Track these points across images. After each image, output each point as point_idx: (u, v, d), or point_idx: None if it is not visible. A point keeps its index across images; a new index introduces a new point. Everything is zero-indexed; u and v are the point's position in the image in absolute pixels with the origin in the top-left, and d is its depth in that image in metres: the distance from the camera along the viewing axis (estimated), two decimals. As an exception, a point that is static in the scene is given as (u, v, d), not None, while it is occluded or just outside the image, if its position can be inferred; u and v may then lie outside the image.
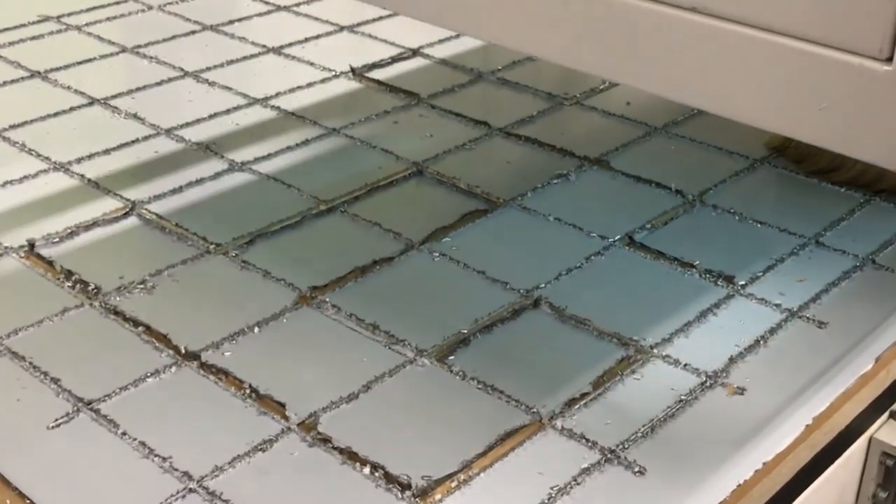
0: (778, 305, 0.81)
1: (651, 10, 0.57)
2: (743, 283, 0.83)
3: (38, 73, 1.13)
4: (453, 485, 0.64)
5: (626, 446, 0.67)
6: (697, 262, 0.85)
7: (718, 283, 0.83)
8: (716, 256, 0.86)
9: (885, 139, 0.52)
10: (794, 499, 0.72)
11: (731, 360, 0.75)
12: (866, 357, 0.76)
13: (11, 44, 1.19)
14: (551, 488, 0.64)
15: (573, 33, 0.61)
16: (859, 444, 0.78)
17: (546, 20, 0.61)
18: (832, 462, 0.75)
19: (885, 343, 0.78)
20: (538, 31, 0.62)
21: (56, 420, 0.68)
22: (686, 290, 0.83)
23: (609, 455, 0.66)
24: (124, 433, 0.67)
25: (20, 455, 0.65)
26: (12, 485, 0.63)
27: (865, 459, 0.80)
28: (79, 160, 0.97)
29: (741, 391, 0.72)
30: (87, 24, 1.25)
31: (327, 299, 0.80)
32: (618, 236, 0.89)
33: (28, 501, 0.62)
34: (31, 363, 0.72)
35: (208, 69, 1.15)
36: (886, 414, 0.80)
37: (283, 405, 0.69)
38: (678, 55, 0.57)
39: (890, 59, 0.51)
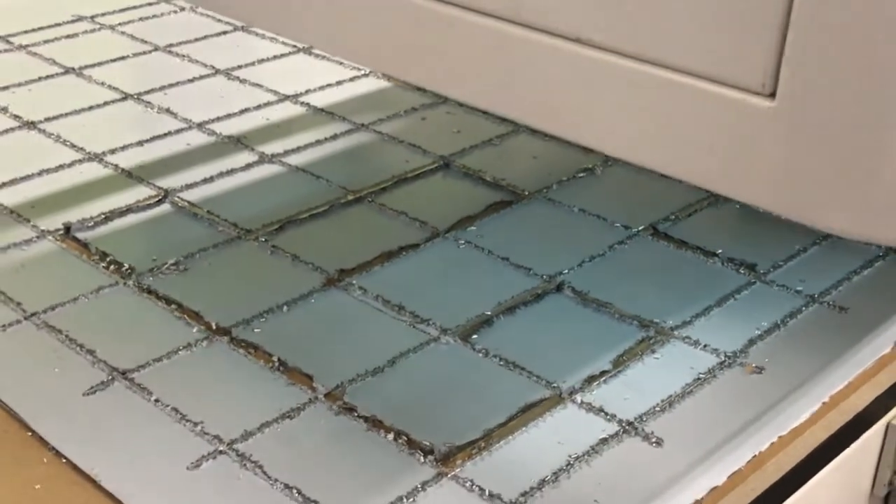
0: (799, 292, 0.85)
1: (532, 39, 0.56)
2: (764, 271, 0.87)
3: (73, 69, 1.19)
4: (474, 451, 0.68)
5: (644, 419, 0.71)
6: (720, 251, 0.89)
7: (740, 270, 0.87)
8: (739, 246, 0.90)
9: (768, 180, 0.50)
10: (808, 479, 0.76)
11: (751, 341, 0.79)
12: (885, 340, 0.80)
13: (47, 42, 1.25)
14: (569, 456, 0.68)
15: (452, 63, 0.60)
16: (876, 430, 0.82)
17: (429, 50, 0.61)
18: (848, 445, 0.79)
19: (902, 327, 0.81)
20: (424, 62, 0.62)
21: (91, 387, 0.73)
22: (708, 277, 0.87)
23: (627, 427, 0.71)
24: (157, 400, 0.72)
25: (57, 419, 0.70)
26: (49, 445, 0.68)
27: (882, 445, 0.84)
28: (112, 151, 1.03)
29: (759, 370, 0.76)
30: (120, 24, 1.30)
31: (354, 282, 0.84)
32: (642, 227, 0.93)
33: (65, 460, 0.67)
34: (67, 336, 0.77)
35: (239, 67, 1.20)
36: (905, 402, 0.84)
37: (310, 377, 0.74)
38: (562, 88, 0.56)
39: (773, 95, 0.49)
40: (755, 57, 0.49)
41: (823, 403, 0.74)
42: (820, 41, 0.46)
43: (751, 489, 0.69)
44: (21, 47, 1.24)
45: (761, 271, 0.87)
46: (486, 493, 0.65)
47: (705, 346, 0.78)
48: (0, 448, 0.67)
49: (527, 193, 0.98)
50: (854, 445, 0.80)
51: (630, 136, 0.54)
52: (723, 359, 0.77)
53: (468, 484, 0.66)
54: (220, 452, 0.67)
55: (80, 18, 1.31)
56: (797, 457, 0.73)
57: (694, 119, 0.51)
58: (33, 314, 0.79)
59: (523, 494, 0.65)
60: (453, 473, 0.67)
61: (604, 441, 0.69)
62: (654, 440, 0.70)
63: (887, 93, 0.44)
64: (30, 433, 0.69)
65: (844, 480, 0.80)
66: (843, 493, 0.82)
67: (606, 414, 0.72)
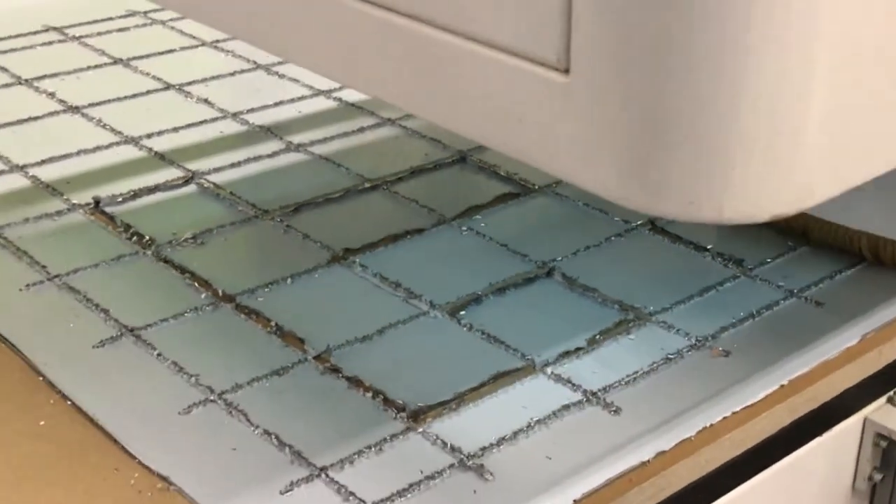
0: (780, 287, 0.90)
1: (355, 8, 0.59)
2: (751, 266, 0.93)
3: (121, 60, 1.28)
4: (444, 411, 0.75)
5: (607, 390, 0.78)
6: (710, 246, 0.95)
7: (728, 265, 0.93)
8: (732, 243, 0.96)
9: (569, 153, 0.52)
10: (776, 461, 0.81)
11: (723, 328, 0.85)
12: (854, 333, 0.85)
13: (99, 34, 1.35)
14: (531, 419, 0.75)
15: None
16: (854, 424, 0.87)
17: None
18: (819, 433, 0.84)
19: (875, 323, 0.86)
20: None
21: (101, 341, 0.81)
22: (695, 269, 0.93)
23: (590, 397, 0.77)
24: (160, 354, 0.80)
25: (66, 367, 0.78)
26: (56, 388, 0.76)
27: (861, 440, 0.89)
28: (149, 135, 1.12)
29: (726, 353, 0.82)
30: (171, 20, 1.40)
31: (357, 260, 0.92)
32: (640, 222, 0.99)
33: (69, 402, 0.75)
34: (84, 296, 0.86)
35: (279, 63, 1.29)
36: (884, 399, 0.89)
37: (302, 340, 0.81)
38: (380, 56, 0.59)
39: (568, 71, 0.50)
40: (549, 32, 0.50)
41: (782, 386, 0.79)
42: (605, 15, 0.48)
43: (704, 461, 0.75)
44: (74, 38, 1.34)
45: (748, 266, 0.93)
46: (448, 446, 0.72)
47: (678, 329, 0.84)
48: (12, 390, 0.75)
49: (536, 187, 1.04)
50: (827, 435, 0.84)
51: (459, 111, 0.57)
52: (693, 342, 0.83)
53: (432, 438, 0.73)
54: (210, 401, 0.75)
55: (133, 13, 1.41)
56: (757, 436, 0.78)
57: (510, 94, 0.53)
58: (56, 276, 0.88)
59: (482, 449, 0.72)
60: (421, 429, 0.73)
61: (566, 407, 0.76)
62: (613, 409, 0.76)
63: (666, 61, 0.48)
64: (41, 378, 0.77)
65: (822, 470, 0.85)
66: (823, 484, 0.86)
67: (573, 385, 0.78)
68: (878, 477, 0.89)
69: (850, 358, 0.84)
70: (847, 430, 0.86)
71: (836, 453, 0.86)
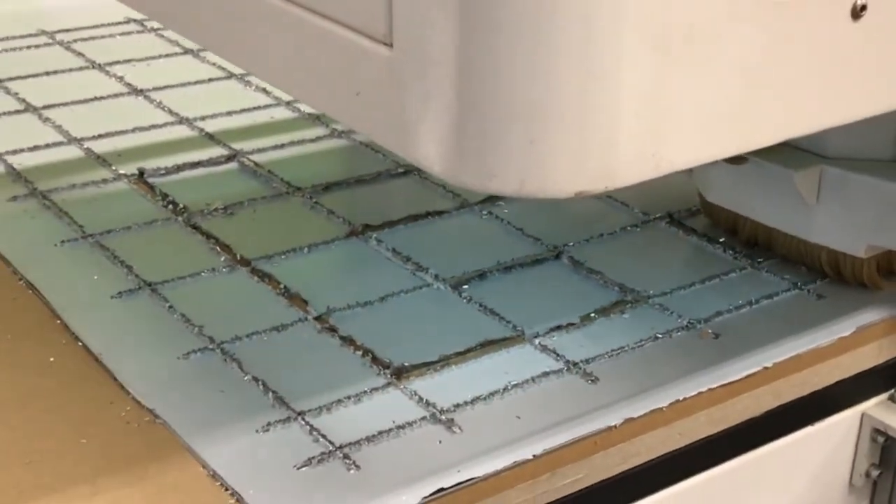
0: (785, 279, 0.92)
1: None
2: (761, 260, 0.95)
3: (192, 51, 1.35)
4: (427, 371, 0.79)
5: (589, 362, 0.80)
6: (722, 239, 0.97)
7: (738, 258, 0.95)
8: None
9: (398, 128, 0.53)
10: (762, 444, 0.83)
11: (718, 313, 0.87)
12: (848, 324, 0.86)
13: (174, 26, 1.42)
14: (509, 383, 0.78)
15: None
16: (850, 418, 0.88)
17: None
18: (810, 423, 0.85)
19: (874, 317, 0.88)
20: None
21: (119, 292, 0.86)
22: (704, 260, 0.95)
23: (571, 366, 0.80)
24: (171, 306, 0.85)
25: (82, 312, 0.84)
26: (70, 330, 0.81)
27: (858, 435, 0.90)
28: (202, 118, 1.18)
29: (715, 336, 0.84)
30: (244, 16, 1.46)
31: (374, 235, 0.96)
32: (659, 215, 1.02)
33: (80, 343, 0.80)
34: (112, 253, 0.91)
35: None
36: (886, 396, 0.90)
37: (306, 302, 0.86)
38: (224, 17, 0.62)
39: (391, 45, 0.52)
40: (372, 2, 0.52)
41: (765, 368, 0.81)
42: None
43: (678, 433, 0.77)
44: (152, 30, 1.41)
45: (758, 260, 0.95)
46: (424, 401, 0.75)
47: (672, 312, 0.87)
48: (30, 330, 0.81)
49: (564, 180, 1.07)
50: (819, 425, 0.86)
51: (302, 79, 0.59)
52: (685, 323, 0.85)
53: (409, 393, 0.76)
54: (209, 349, 0.80)
55: (208, 9, 1.48)
56: (738, 416, 0.80)
57: (344, 67, 0.55)
58: (90, 235, 0.94)
59: (455, 405, 0.75)
60: (403, 386, 0.77)
61: (545, 374, 0.79)
62: (591, 379, 0.79)
63: (469, 35, 0.49)
64: (58, 321, 0.82)
65: (814, 462, 0.86)
66: (816, 476, 0.88)
67: (557, 355, 0.81)
68: (875, 473, 0.90)
69: (844, 348, 0.85)
70: (842, 424, 0.87)
71: (830, 446, 0.87)
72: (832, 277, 0.90)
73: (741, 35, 0.55)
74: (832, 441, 0.87)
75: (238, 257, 0.92)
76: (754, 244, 0.95)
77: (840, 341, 0.85)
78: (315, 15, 0.57)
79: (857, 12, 0.59)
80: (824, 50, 0.60)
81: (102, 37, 1.39)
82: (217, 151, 1.10)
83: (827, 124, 0.63)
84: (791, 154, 0.88)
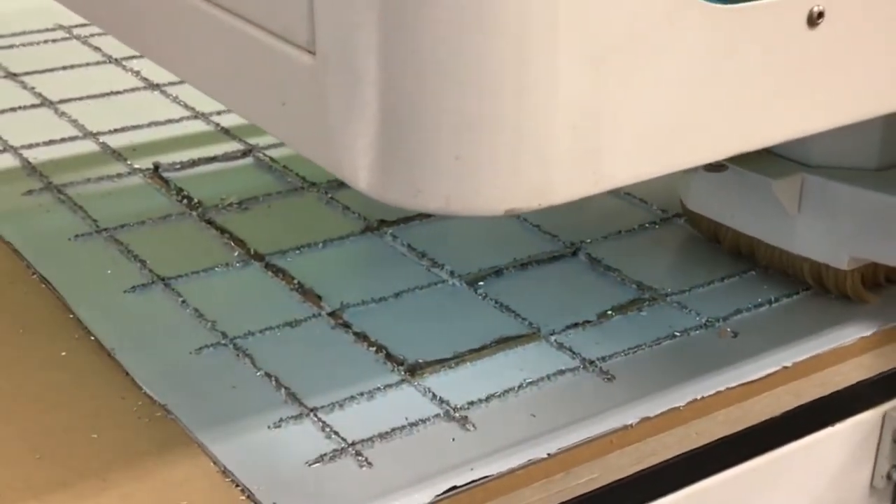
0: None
1: None
2: (780, 258, 0.94)
3: (208, 46, 1.35)
4: (441, 368, 0.78)
5: (605, 359, 0.80)
6: (742, 237, 0.96)
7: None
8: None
9: (319, 139, 0.51)
10: (782, 444, 0.82)
11: (737, 311, 0.86)
12: (870, 324, 0.85)
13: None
14: (524, 380, 0.77)
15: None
16: (872, 418, 0.87)
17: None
18: (830, 423, 0.84)
19: (895, 316, 0.86)
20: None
21: (133, 287, 0.86)
22: (723, 260, 0.94)
23: (587, 364, 0.79)
24: (184, 301, 0.84)
25: (95, 306, 0.83)
26: (83, 324, 0.81)
27: (880, 436, 0.89)
28: (219, 113, 1.17)
29: (734, 334, 0.83)
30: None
31: (390, 231, 0.95)
32: (677, 212, 1.01)
33: (92, 338, 0.80)
34: (126, 247, 0.91)
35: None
36: (911, 398, 0.89)
37: (320, 297, 0.85)
38: (154, 19, 0.61)
39: (314, 52, 0.50)
40: (294, 8, 0.50)
41: (785, 367, 0.80)
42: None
43: (695, 433, 0.76)
44: (168, 25, 1.40)
45: (777, 259, 0.93)
46: (438, 399, 0.75)
47: (691, 310, 0.86)
48: (43, 324, 0.81)
49: (582, 177, 1.06)
50: (840, 426, 0.85)
51: (231, 88, 0.58)
52: (703, 321, 0.84)
53: (423, 390, 0.76)
54: (222, 344, 0.79)
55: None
56: (757, 416, 0.79)
57: (270, 75, 0.53)
58: (104, 229, 0.93)
59: (469, 403, 0.74)
60: (416, 382, 0.77)
61: (560, 372, 0.78)
62: (607, 377, 0.78)
63: (391, 46, 0.47)
64: (70, 315, 0.82)
65: (835, 462, 0.85)
66: (836, 477, 0.87)
67: (573, 353, 0.80)
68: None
69: (865, 348, 0.84)
70: (863, 425, 0.86)
71: (850, 447, 0.86)
72: (815, 288, 0.88)
73: (685, 45, 0.52)
74: (853, 442, 0.86)
75: (252, 252, 0.91)
76: (737, 253, 0.93)
77: (861, 341, 0.84)
78: (241, 20, 0.55)
79: (814, 20, 0.56)
80: (778, 59, 0.57)
81: (120, 32, 1.39)
82: (232, 146, 1.10)
83: (783, 137, 0.60)
84: (772, 162, 0.85)
